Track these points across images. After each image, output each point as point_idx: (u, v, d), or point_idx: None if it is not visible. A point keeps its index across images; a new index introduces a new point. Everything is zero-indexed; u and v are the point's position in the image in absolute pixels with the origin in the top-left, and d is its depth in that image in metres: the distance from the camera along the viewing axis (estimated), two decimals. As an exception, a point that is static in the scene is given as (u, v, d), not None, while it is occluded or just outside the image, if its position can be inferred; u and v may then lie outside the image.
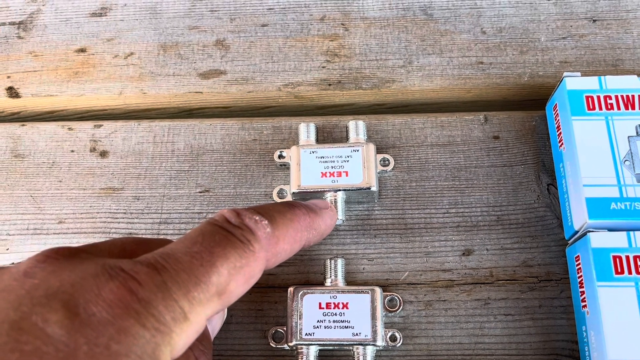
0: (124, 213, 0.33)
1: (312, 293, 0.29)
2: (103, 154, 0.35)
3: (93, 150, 0.35)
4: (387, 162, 0.33)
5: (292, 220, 0.24)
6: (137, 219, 0.33)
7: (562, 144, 0.31)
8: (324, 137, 0.35)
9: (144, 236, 0.32)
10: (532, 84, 0.36)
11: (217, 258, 0.20)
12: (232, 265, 0.20)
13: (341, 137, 0.35)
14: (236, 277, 0.20)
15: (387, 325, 0.30)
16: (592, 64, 0.36)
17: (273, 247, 0.23)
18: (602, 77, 0.31)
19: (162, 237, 0.32)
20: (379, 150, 0.34)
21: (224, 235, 0.21)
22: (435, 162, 0.34)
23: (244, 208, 0.23)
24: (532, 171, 0.33)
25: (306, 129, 0.34)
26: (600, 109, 0.30)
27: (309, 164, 0.32)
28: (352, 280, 0.31)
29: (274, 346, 0.29)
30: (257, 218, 0.22)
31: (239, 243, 0.21)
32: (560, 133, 0.32)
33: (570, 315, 0.30)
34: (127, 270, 0.18)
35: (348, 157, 0.32)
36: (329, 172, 0.32)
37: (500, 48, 0.37)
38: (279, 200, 0.33)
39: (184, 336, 0.19)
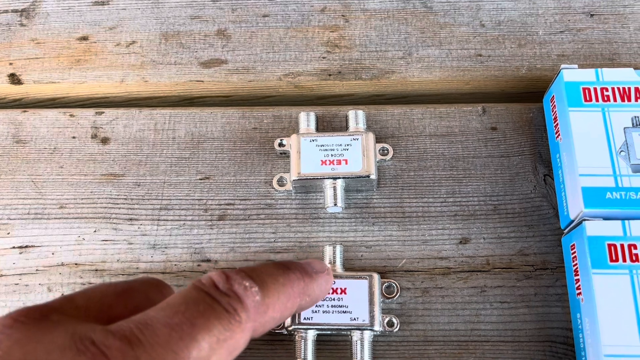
0: (125, 199, 0.34)
1: (310, 278, 0.30)
2: (104, 141, 0.35)
3: (94, 136, 0.36)
4: (386, 151, 0.34)
5: (285, 285, 0.23)
6: (137, 205, 0.33)
7: (559, 135, 0.32)
8: (324, 126, 0.35)
9: (127, 279, 0.26)
10: (529, 76, 0.36)
11: (199, 330, 0.19)
12: (215, 338, 0.19)
13: (341, 127, 0.35)
14: (219, 351, 0.19)
15: (385, 311, 0.30)
16: (589, 57, 0.37)
17: (261, 316, 0.21)
18: (599, 70, 0.32)
19: (162, 222, 0.33)
20: (378, 140, 0.34)
21: (208, 304, 0.20)
22: (433, 152, 0.34)
23: (235, 270, 0.22)
24: (529, 162, 0.34)
25: (306, 118, 0.34)
26: (597, 100, 0.31)
27: (309, 152, 0.32)
28: (351, 267, 0.31)
29: (272, 330, 0.30)
30: (246, 284, 0.21)
31: (225, 313, 0.20)
32: (557, 124, 0.32)
33: (565, 303, 0.30)
34: (98, 344, 0.17)
35: (348, 145, 0.32)
36: (329, 160, 0.32)
37: (499, 41, 0.37)
38: (279, 188, 0.33)
39: None
